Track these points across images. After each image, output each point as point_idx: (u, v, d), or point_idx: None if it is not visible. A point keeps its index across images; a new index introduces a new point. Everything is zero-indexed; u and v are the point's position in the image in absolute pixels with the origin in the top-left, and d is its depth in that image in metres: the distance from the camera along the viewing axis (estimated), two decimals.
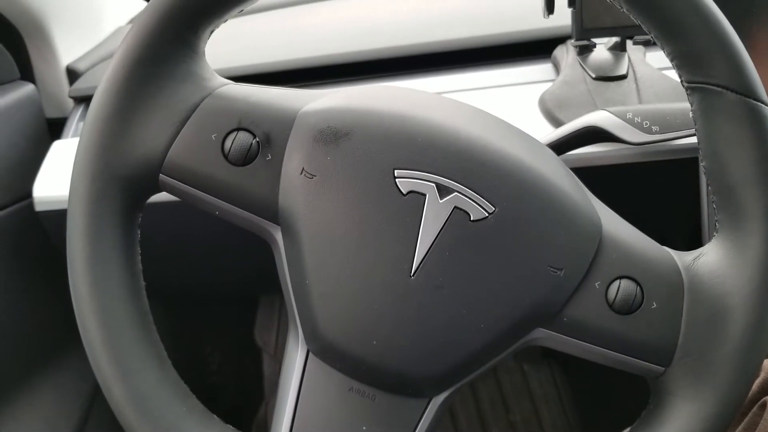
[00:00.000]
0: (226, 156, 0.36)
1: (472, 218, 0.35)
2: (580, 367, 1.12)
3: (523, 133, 0.40)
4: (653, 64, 0.69)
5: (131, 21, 0.96)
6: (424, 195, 0.35)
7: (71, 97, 0.79)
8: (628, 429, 0.38)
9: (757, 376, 0.44)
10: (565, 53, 0.70)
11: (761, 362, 0.35)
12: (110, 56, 0.37)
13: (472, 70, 0.73)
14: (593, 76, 0.66)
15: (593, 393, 1.11)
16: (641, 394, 0.40)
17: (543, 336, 0.36)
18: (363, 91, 0.39)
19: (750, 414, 0.44)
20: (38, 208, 0.68)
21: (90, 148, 0.36)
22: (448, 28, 0.77)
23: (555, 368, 1.16)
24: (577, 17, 0.65)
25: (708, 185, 0.37)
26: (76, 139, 0.56)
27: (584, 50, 0.69)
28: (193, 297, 1.07)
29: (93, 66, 0.82)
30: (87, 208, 0.35)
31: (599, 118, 0.55)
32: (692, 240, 0.57)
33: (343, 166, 0.35)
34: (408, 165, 0.35)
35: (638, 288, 0.35)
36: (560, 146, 0.56)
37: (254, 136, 0.36)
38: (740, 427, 0.44)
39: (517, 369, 1.16)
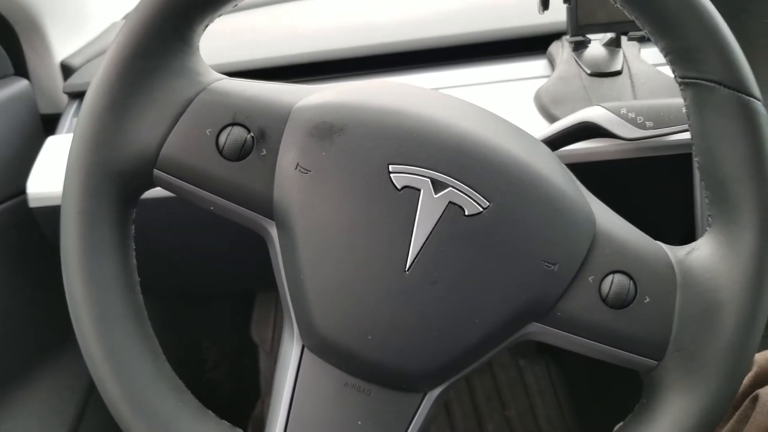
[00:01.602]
0: (220, 151, 0.36)
1: (466, 213, 0.35)
2: (575, 362, 1.12)
3: (518, 128, 0.40)
4: (648, 60, 0.69)
5: (126, 16, 0.95)
6: (419, 190, 0.35)
7: (65, 93, 0.79)
8: (621, 423, 0.38)
9: (749, 370, 0.45)
10: (561, 49, 0.71)
11: (753, 356, 0.36)
12: (105, 52, 0.37)
13: (467, 65, 0.73)
14: (588, 72, 0.66)
15: (588, 387, 1.11)
16: (636, 389, 0.40)
17: (537, 330, 0.36)
18: (358, 86, 0.39)
19: (742, 407, 0.44)
20: (32, 204, 0.67)
21: (84, 144, 0.36)
22: (443, 24, 0.77)
23: (550, 363, 1.16)
24: (572, 13, 0.65)
25: (701, 180, 0.37)
26: (71, 135, 0.56)
27: (579, 46, 0.69)
28: (189, 293, 1.07)
29: (87, 61, 0.82)
30: (81, 203, 0.35)
31: (594, 113, 0.55)
32: (685, 235, 0.57)
33: (337, 161, 0.35)
34: (403, 160, 0.35)
35: (631, 282, 0.35)
36: (555, 142, 0.56)
37: (249, 131, 0.36)
38: (732, 420, 0.44)
39: (512, 364, 1.16)
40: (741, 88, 0.35)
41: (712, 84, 0.35)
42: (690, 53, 0.35)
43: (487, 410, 1.12)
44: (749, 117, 0.35)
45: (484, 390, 1.14)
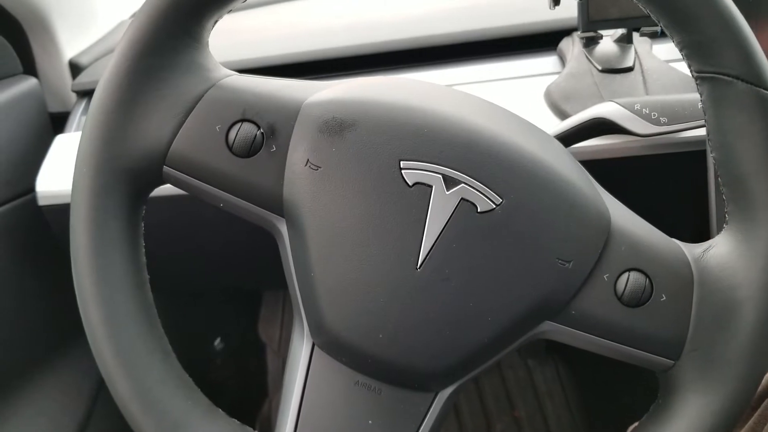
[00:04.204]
0: (230, 147, 0.36)
1: (479, 210, 0.34)
2: (584, 363, 1.11)
3: (531, 124, 0.39)
4: (660, 57, 0.68)
5: (134, 15, 0.95)
6: (431, 186, 0.34)
7: (74, 91, 0.79)
8: (637, 423, 0.38)
9: None
10: (571, 45, 0.70)
11: None
12: (113, 50, 0.36)
13: (478, 62, 0.73)
14: (599, 68, 0.66)
15: (597, 388, 1.11)
16: (645, 390, 0.40)
17: (551, 329, 0.36)
18: (368, 82, 0.38)
19: (761, 408, 0.43)
20: (41, 202, 0.68)
21: (93, 141, 0.35)
22: (454, 20, 0.76)
23: (559, 363, 1.15)
24: (583, 9, 0.65)
25: (717, 176, 0.36)
26: (79, 133, 0.56)
27: (590, 42, 0.69)
28: (197, 291, 1.07)
29: (96, 60, 0.82)
30: (90, 200, 0.35)
31: (607, 109, 0.54)
32: (701, 232, 0.56)
33: (348, 158, 0.35)
34: (414, 156, 0.35)
35: (647, 280, 0.35)
36: (568, 138, 0.56)
37: (258, 128, 0.36)
38: (750, 421, 0.43)
39: (521, 364, 1.16)
40: (759, 82, 0.34)
41: (730, 78, 0.34)
42: (707, 47, 0.34)
43: (496, 411, 1.11)
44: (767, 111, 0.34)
45: (492, 390, 1.13)
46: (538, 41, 0.73)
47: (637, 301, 0.35)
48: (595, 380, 1.11)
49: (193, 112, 0.36)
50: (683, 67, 0.64)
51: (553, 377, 1.14)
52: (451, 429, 1.09)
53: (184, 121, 0.36)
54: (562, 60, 0.71)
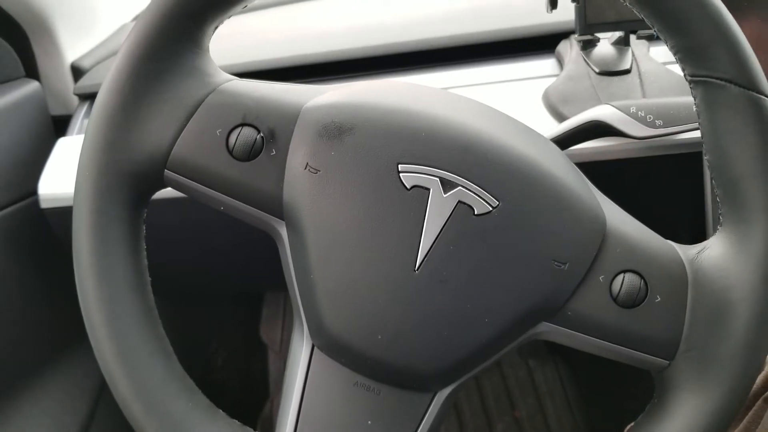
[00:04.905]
0: (230, 151, 0.36)
1: (476, 212, 0.35)
2: (585, 363, 1.12)
3: (528, 127, 0.40)
4: (657, 59, 0.68)
5: (136, 18, 0.96)
6: (428, 189, 0.35)
7: (76, 95, 0.80)
8: (633, 423, 0.38)
9: (762, 369, 0.44)
10: (569, 48, 0.70)
11: (765, 356, 0.35)
12: (115, 53, 0.37)
13: (475, 65, 0.73)
14: (597, 70, 0.66)
15: (598, 388, 1.11)
16: (646, 389, 0.40)
17: (547, 330, 0.36)
18: (367, 86, 0.39)
19: (754, 408, 0.44)
20: (43, 205, 0.68)
21: (95, 144, 0.36)
22: (452, 23, 0.77)
23: (560, 363, 1.16)
24: (580, 12, 0.65)
25: (712, 179, 0.37)
26: (81, 137, 0.57)
27: (588, 45, 0.69)
28: (198, 293, 1.07)
29: (98, 63, 0.82)
30: (93, 203, 0.36)
31: (603, 112, 0.55)
32: (696, 233, 0.57)
33: (347, 161, 0.35)
34: (412, 159, 0.35)
35: (642, 281, 0.35)
36: (564, 141, 0.56)
37: (259, 132, 0.36)
38: (744, 421, 0.44)
39: (522, 364, 1.16)
40: (751, 85, 0.34)
41: (723, 82, 0.35)
42: (700, 51, 0.35)
43: (497, 410, 1.11)
44: (760, 114, 0.34)
45: (493, 390, 1.14)
46: (536, 44, 0.74)
47: (632, 302, 0.35)
48: (595, 380, 1.11)
49: (194, 117, 0.36)
50: (680, 70, 0.64)
51: (554, 377, 1.14)
52: (452, 429, 1.10)
53: (185, 125, 0.36)
54: (560, 63, 0.71)
